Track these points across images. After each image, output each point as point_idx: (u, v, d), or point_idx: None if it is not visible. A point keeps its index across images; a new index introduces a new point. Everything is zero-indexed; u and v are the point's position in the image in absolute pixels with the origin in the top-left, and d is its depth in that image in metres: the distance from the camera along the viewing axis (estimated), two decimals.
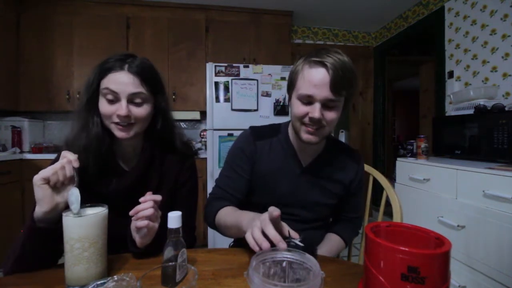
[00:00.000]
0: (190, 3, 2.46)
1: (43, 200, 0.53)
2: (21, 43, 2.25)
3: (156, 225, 0.59)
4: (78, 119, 0.68)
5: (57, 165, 0.53)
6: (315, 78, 0.66)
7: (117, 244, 0.63)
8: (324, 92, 0.65)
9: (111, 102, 0.64)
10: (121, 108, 0.63)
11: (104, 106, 0.65)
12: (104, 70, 0.65)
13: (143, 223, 0.56)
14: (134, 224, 0.57)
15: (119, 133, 0.66)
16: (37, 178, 0.53)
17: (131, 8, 2.41)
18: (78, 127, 0.67)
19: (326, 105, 0.67)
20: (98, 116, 0.67)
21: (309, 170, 0.81)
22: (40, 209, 0.53)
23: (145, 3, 2.43)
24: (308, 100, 0.68)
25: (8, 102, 2.18)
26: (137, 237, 0.59)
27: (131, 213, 0.56)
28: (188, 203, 0.80)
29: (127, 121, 0.65)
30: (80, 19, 2.33)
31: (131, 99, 0.65)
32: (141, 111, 0.67)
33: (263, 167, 0.82)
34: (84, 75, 2.33)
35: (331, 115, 0.68)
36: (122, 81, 0.64)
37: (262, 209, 0.75)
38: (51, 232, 0.54)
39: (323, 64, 0.65)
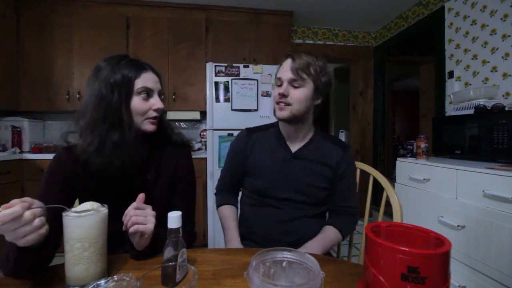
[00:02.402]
0: (190, 3, 2.46)
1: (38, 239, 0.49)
2: (21, 43, 2.25)
3: (150, 226, 0.58)
4: (106, 120, 0.66)
5: (30, 227, 0.45)
6: (284, 65, 0.87)
7: (117, 242, 0.63)
8: (287, 74, 0.85)
9: (145, 99, 0.71)
10: (158, 102, 0.72)
11: (140, 104, 0.70)
12: (136, 70, 0.70)
13: (132, 228, 0.57)
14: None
15: (151, 127, 0.72)
16: (30, 244, 0.47)
17: (131, 8, 2.41)
18: (104, 128, 0.66)
19: (291, 84, 0.85)
20: (130, 115, 0.69)
21: (298, 156, 0.92)
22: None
23: (145, 3, 2.43)
24: (279, 82, 0.88)
25: (8, 102, 2.18)
26: (134, 241, 0.60)
27: (123, 228, 0.58)
28: (187, 198, 0.81)
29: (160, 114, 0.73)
30: (80, 19, 2.33)
31: (160, 94, 0.75)
32: (162, 104, 0.75)
33: (258, 155, 0.96)
34: (84, 75, 2.33)
35: (297, 93, 0.85)
36: (153, 79, 0.73)
37: (260, 191, 0.93)
38: (41, 250, 0.52)
39: (290, 56, 0.87)
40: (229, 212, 0.98)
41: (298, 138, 0.93)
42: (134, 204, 0.58)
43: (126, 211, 0.58)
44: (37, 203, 0.49)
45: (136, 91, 0.69)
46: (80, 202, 0.68)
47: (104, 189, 0.69)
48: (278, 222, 0.89)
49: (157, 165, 0.77)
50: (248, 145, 0.98)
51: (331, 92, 4.79)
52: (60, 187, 0.67)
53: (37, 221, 0.46)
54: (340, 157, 0.92)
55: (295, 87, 0.85)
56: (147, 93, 0.70)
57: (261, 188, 0.94)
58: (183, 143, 0.84)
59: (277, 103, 0.88)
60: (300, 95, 0.85)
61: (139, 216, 0.57)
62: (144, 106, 0.70)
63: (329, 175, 0.91)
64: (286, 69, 0.86)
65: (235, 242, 0.89)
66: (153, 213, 0.60)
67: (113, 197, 0.66)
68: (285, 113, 0.86)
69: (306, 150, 0.92)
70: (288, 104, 0.86)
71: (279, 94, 0.86)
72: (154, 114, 0.72)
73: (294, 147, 0.93)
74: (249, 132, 1.01)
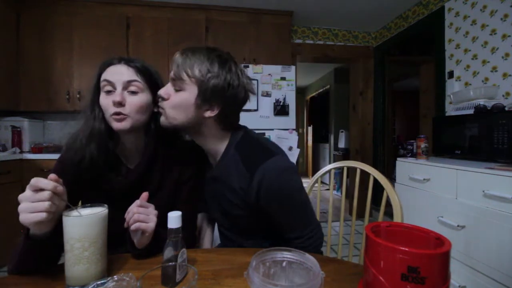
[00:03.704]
0: (190, 3, 2.46)
1: (40, 228, 0.51)
2: (21, 43, 2.25)
3: (151, 224, 0.59)
4: (82, 118, 0.70)
5: (45, 204, 0.47)
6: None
7: (118, 242, 0.64)
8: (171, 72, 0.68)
9: (108, 93, 0.67)
10: (116, 94, 0.65)
11: (102, 99, 0.67)
12: (103, 66, 0.69)
13: (134, 226, 0.57)
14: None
15: (115, 124, 0.66)
16: (28, 223, 0.48)
17: (131, 8, 2.41)
18: (81, 124, 0.69)
19: (173, 85, 0.67)
20: (100, 111, 0.69)
21: (216, 174, 0.74)
22: (37, 232, 0.52)
23: (145, 3, 2.43)
24: None
25: (8, 102, 2.18)
26: (135, 239, 0.60)
27: (125, 225, 0.58)
28: (190, 201, 0.80)
29: (121, 110, 0.65)
30: (80, 19, 2.33)
31: (126, 87, 0.67)
32: (136, 99, 0.68)
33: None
34: (84, 75, 2.33)
35: (174, 97, 0.67)
36: (118, 71, 0.67)
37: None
38: (48, 244, 0.53)
39: (179, 52, 0.68)
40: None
41: (212, 153, 0.75)
42: (137, 202, 0.59)
43: (129, 208, 0.58)
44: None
45: (101, 86, 0.67)
46: (83, 203, 0.69)
47: (107, 189, 0.69)
48: (225, 246, 0.83)
49: (161, 167, 0.76)
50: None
51: (331, 92, 4.78)
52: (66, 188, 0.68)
53: (46, 204, 0.47)
54: (246, 182, 0.66)
55: (176, 90, 0.66)
56: (110, 86, 0.66)
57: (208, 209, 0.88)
58: (192, 147, 0.81)
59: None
60: (176, 100, 0.66)
61: (142, 214, 0.57)
62: (105, 101, 0.66)
63: (240, 204, 0.69)
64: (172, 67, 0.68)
65: None
66: (155, 212, 0.60)
67: (119, 197, 0.67)
68: (161, 119, 0.69)
69: (219, 169, 0.73)
70: (163, 108, 0.68)
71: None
72: (113, 109, 0.64)
73: (214, 164, 0.77)
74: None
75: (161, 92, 0.68)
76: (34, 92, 2.28)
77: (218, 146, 0.73)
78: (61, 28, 2.31)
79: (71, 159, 0.66)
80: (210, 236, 0.91)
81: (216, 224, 0.91)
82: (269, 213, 0.69)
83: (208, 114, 0.67)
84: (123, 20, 2.38)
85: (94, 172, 0.67)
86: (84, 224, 0.50)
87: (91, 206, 0.54)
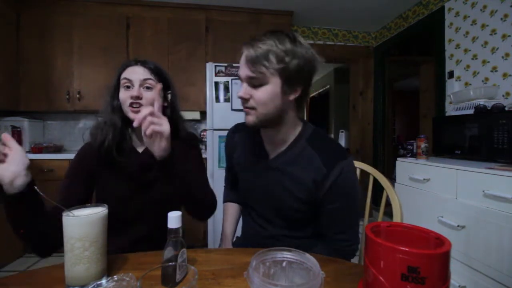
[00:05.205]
0: (190, 3, 2.46)
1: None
2: (21, 43, 2.25)
3: (166, 127, 0.62)
4: (103, 110, 0.83)
5: None
6: (242, 58, 0.67)
7: (132, 220, 0.79)
8: (244, 71, 0.66)
9: (127, 88, 0.78)
10: (134, 90, 0.77)
11: (122, 94, 0.79)
12: (122, 67, 0.82)
13: (149, 129, 0.60)
14: (145, 136, 0.62)
15: (132, 115, 0.77)
16: None
17: (131, 8, 2.41)
18: (103, 114, 0.82)
19: (251, 83, 0.66)
20: (119, 103, 0.81)
21: (272, 165, 0.75)
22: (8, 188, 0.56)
23: (145, 3, 2.43)
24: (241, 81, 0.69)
25: (8, 102, 2.18)
26: (154, 147, 0.63)
27: (134, 124, 0.60)
28: (198, 164, 0.90)
29: (138, 102, 0.77)
30: (80, 19, 2.33)
31: (142, 84, 0.79)
32: (150, 94, 0.79)
33: (237, 157, 0.86)
34: (84, 75, 2.33)
35: (258, 94, 0.66)
36: (136, 71, 0.80)
37: (243, 196, 0.87)
38: (24, 198, 0.57)
39: (245, 44, 0.67)
40: (229, 211, 0.97)
41: (278, 142, 0.75)
42: (150, 108, 0.61)
43: (141, 115, 0.60)
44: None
45: (120, 83, 0.79)
46: (98, 194, 0.82)
47: (122, 170, 0.80)
48: (257, 235, 0.81)
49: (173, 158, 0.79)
50: (232, 144, 0.89)
51: (331, 92, 4.77)
52: (83, 177, 0.79)
53: None
54: (322, 177, 0.67)
55: (256, 86, 0.66)
56: (129, 83, 0.78)
57: (243, 194, 0.87)
58: (193, 137, 0.92)
59: (243, 107, 0.70)
60: (262, 96, 0.65)
61: (155, 119, 0.60)
62: (124, 95, 0.78)
63: (303, 196, 0.70)
64: (242, 64, 0.66)
65: (226, 240, 0.92)
66: (167, 120, 0.64)
67: (130, 177, 0.80)
68: (250, 119, 0.69)
69: (283, 159, 0.74)
70: (252, 108, 0.68)
71: (239, 97, 0.68)
72: (130, 101, 0.77)
73: (273, 153, 0.77)
74: (235, 129, 0.90)
75: (241, 94, 0.67)
76: (34, 92, 2.28)
77: (289, 135, 0.74)
78: (61, 28, 2.31)
79: (93, 144, 0.79)
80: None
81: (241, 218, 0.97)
82: (329, 210, 0.70)
83: (292, 97, 0.68)
84: (123, 20, 2.38)
85: (111, 155, 0.78)
86: (84, 223, 0.50)
87: (91, 206, 0.54)
